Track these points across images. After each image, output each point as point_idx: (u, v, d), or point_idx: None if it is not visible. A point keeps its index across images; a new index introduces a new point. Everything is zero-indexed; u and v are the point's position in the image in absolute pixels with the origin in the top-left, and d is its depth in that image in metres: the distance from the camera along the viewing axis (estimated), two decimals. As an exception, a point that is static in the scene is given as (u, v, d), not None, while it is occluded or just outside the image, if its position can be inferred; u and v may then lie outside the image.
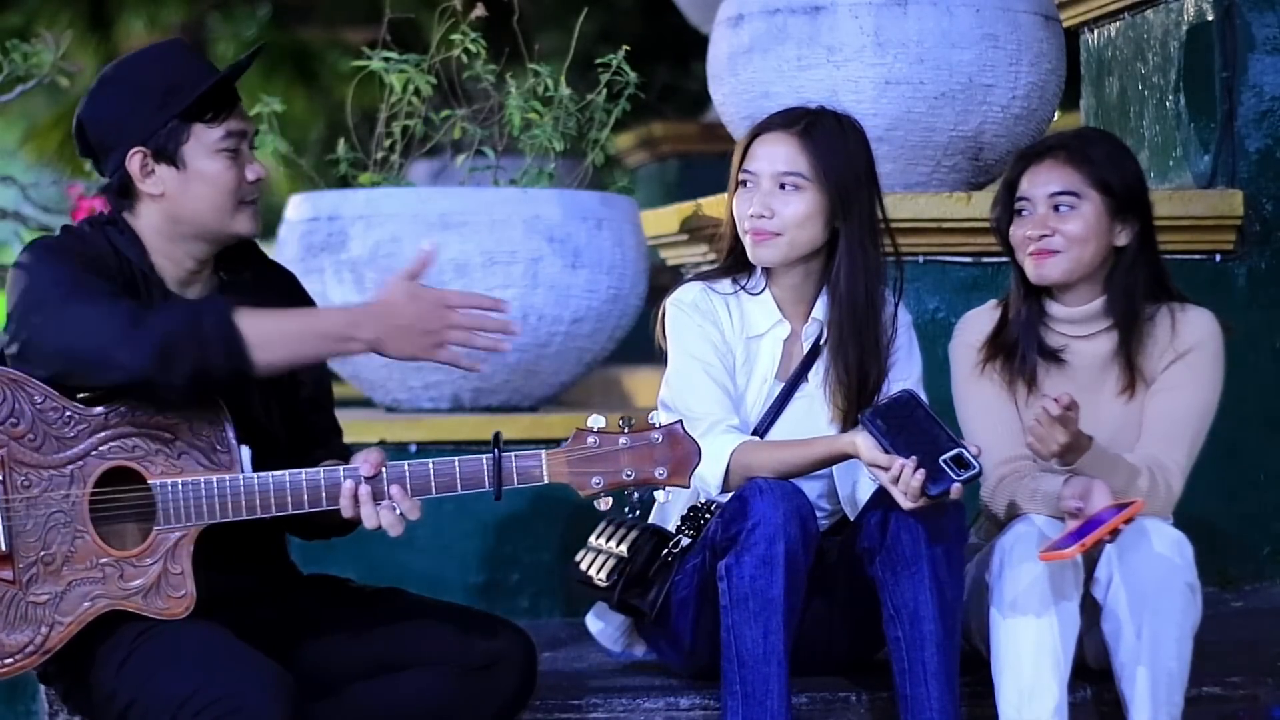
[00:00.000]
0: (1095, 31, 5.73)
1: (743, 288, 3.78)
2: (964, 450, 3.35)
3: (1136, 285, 3.69)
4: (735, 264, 3.81)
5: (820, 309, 3.77)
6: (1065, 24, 5.26)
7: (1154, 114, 5.40)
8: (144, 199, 3.27)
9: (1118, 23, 5.60)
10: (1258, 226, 5.07)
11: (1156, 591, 3.48)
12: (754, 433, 3.73)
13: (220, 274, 3.36)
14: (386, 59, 4.92)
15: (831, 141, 3.71)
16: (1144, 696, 3.47)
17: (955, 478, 3.33)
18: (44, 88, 5.72)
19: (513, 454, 3.17)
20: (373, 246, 4.82)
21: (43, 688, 3.56)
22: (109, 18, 14.77)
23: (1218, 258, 5.04)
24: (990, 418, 3.72)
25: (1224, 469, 4.90)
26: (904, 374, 3.77)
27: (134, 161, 3.24)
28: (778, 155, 3.71)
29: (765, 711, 3.46)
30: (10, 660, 3.13)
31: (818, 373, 3.76)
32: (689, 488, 3.25)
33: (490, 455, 3.17)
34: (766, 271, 3.78)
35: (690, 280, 3.83)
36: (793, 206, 3.69)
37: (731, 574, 3.48)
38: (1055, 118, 5.11)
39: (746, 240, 3.73)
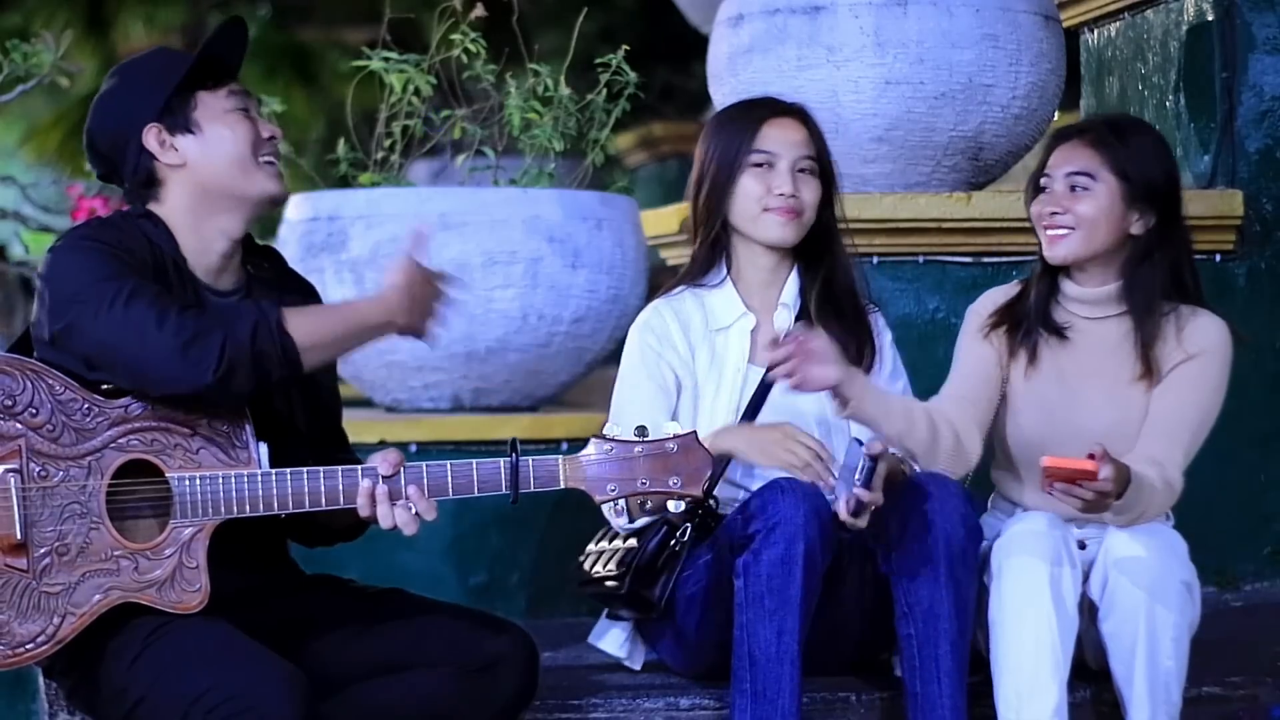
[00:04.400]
0: (1095, 31, 5.73)
1: (700, 284, 3.83)
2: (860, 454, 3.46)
3: (1153, 278, 3.69)
4: (703, 262, 3.84)
5: (789, 293, 3.82)
6: (1065, 24, 5.26)
7: (1154, 114, 5.40)
8: (169, 180, 3.30)
9: (1118, 23, 5.60)
10: (1258, 226, 5.07)
11: (1152, 590, 3.48)
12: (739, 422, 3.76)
13: (247, 267, 3.39)
14: (386, 59, 4.92)
15: (822, 132, 3.88)
16: (1142, 696, 3.47)
17: (854, 485, 3.45)
18: (44, 88, 5.72)
19: (530, 459, 3.19)
20: (373, 246, 4.82)
21: (43, 686, 3.56)
22: (108, 18, 14.77)
23: (1218, 258, 5.04)
24: (965, 368, 3.77)
25: (1224, 469, 4.90)
26: (892, 387, 3.81)
27: (150, 137, 3.28)
28: (796, 140, 3.81)
29: (776, 711, 3.46)
30: (22, 650, 3.12)
31: None
32: (702, 497, 3.27)
33: (508, 459, 3.18)
34: (727, 264, 3.83)
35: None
36: (810, 190, 3.80)
37: (749, 572, 3.49)
38: (1055, 118, 5.11)
39: (767, 218, 3.77)
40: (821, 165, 3.81)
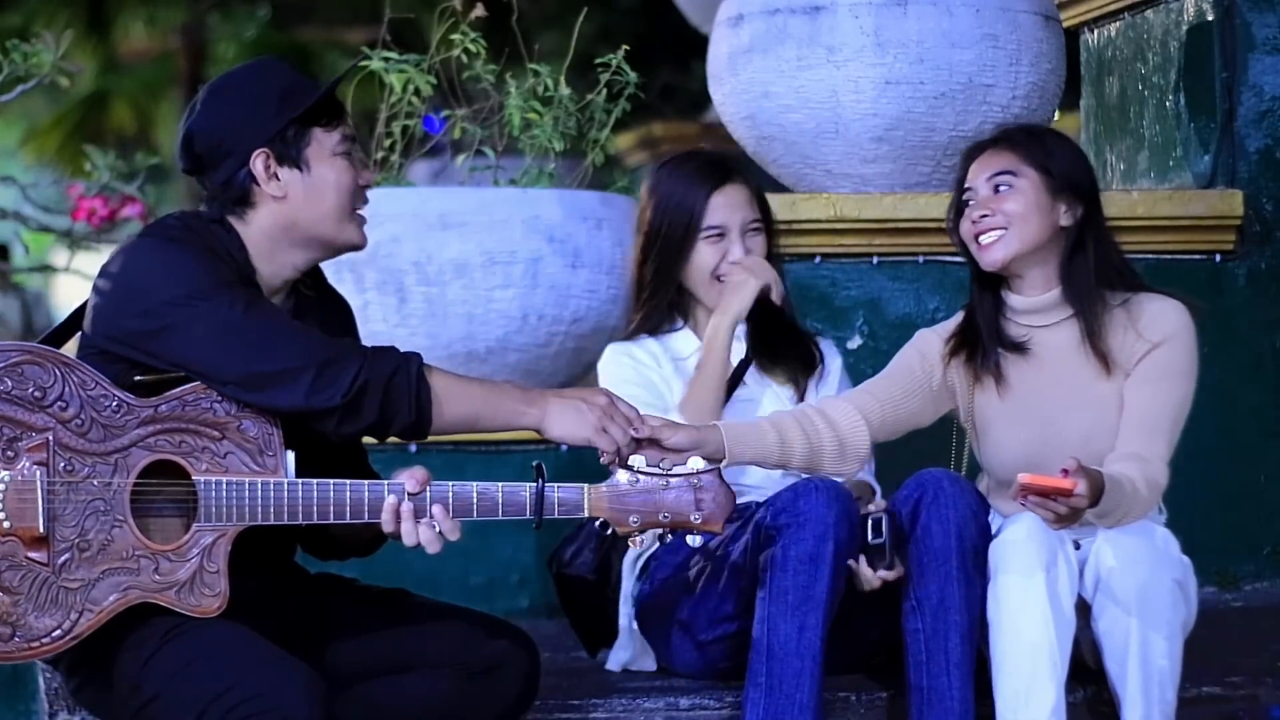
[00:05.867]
0: (1095, 31, 5.73)
1: (659, 328, 3.97)
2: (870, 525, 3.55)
3: (1087, 269, 3.68)
4: (658, 318, 3.96)
5: (740, 329, 3.92)
6: (1065, 24, 5.27)
7: (1154, 114, 5.40)
8: (262, 205, 3.27)
9: (1118, 23, 5.61)
10: (1258, 226, 5.07)
11: (1142, 591, 3.47)
12: None
13: (298, 288, 3.37)
14: (386, 59, 4.92)
15: (759, 186, 4.04)
16: (1135, 695, 3.47)
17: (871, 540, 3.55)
18: (44, 88, 5.73)
19: (555, 485, 3.19)
20: (373, 246, 4.74)
21: (43, 685, 3.55)
22: (108, 18, 14.78)
23: (1218, 258, 5.04)
24: (887, 369, 3.80)
25: (1224, 469, 4.91)
26: None
27: (258, 163, 3.25)
28: (742, 203, 3.96)
29: (793, 705, 3.46)
30: (37, 643, 3.10)
31: (752, 374, 3.93)
32: (721, 534, 3.28)
33: (533, 485, 3.18)
34: (682, 315, 3.97)
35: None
36: (759, 246, 3.95)
37: (775, 566, 3.50)
38: (1055, 118, 5.11)
39: (718, 286, 3.89)
40: (765, 218, 3.95)
